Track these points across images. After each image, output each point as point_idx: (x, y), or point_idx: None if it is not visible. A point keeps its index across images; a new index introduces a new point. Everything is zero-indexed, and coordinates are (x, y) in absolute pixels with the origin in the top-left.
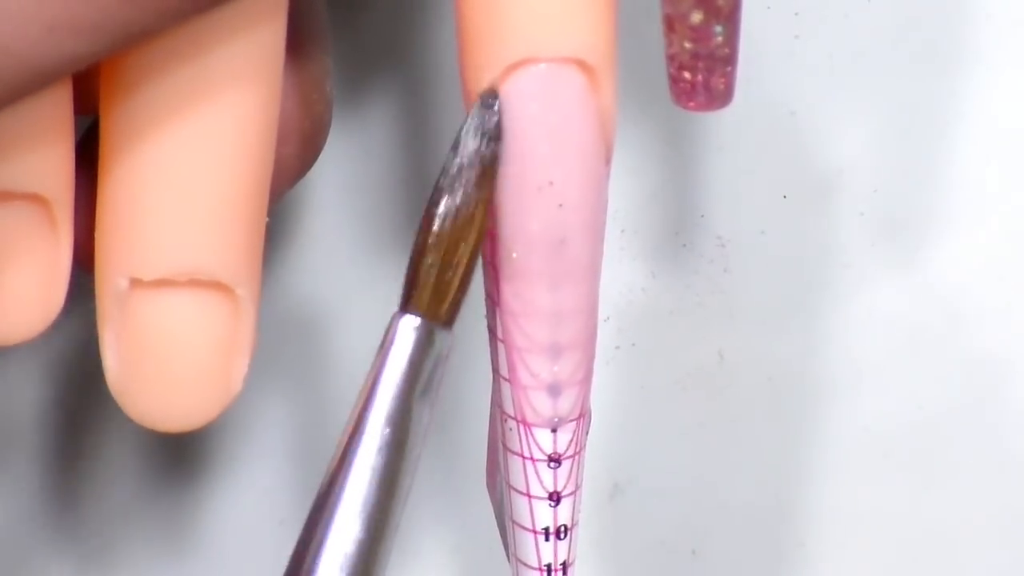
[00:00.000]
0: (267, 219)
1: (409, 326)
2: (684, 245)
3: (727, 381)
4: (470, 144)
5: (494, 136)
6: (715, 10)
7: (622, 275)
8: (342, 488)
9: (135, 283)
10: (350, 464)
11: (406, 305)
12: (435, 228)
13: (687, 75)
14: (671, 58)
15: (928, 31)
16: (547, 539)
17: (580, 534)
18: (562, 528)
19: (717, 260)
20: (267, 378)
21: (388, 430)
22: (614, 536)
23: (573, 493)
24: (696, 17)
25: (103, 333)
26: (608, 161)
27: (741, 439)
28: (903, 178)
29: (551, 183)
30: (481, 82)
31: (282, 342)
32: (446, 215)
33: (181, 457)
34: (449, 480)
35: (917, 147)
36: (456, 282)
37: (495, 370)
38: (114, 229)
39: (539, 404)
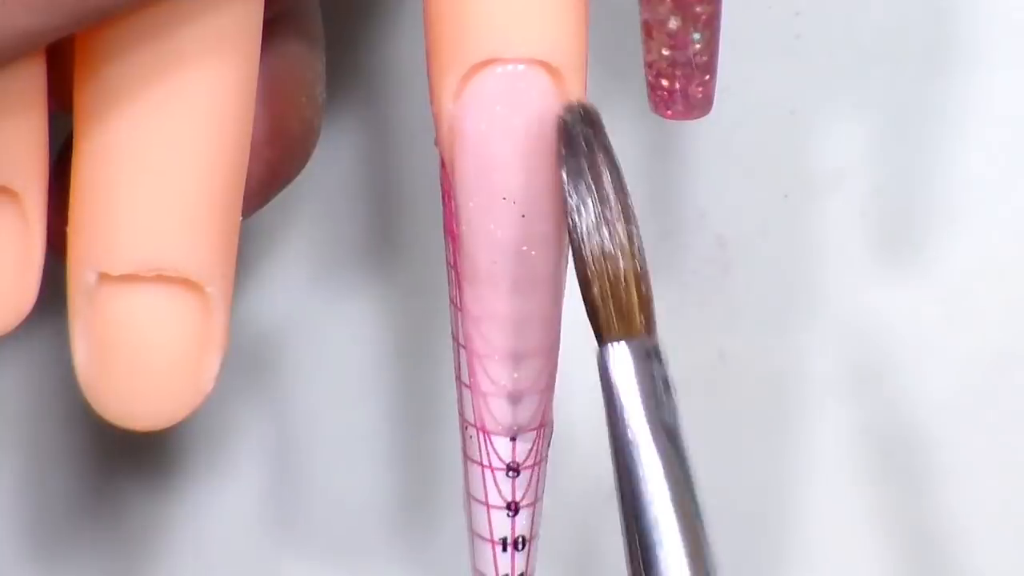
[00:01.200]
0: (241, 218)
1: (617, 354)
2: (684, 245)
3: (727, 381)
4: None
5: (594, 158)
6: (693, 16)
7: None
8: (657, 531)
9: (103, 277)
10: (652, 505)
11: (602, 337)
12: (590, 261)
13: (665, 83)
14: (649, 65)
15: (929, 31)
16: (504, 550)
17: (580, 535)
18: (520, 539)
19: (717, 260)
20: (247, 384)
21: (662, 458)
22: (614, 537)
23: (532, 504)
24: (674, 23)
25: (73, 327)
26: None
27: (741, 439)
28: (903, 178)
29: (514, 188)
30: (446, 82)
31: (264, 347)
32: (594, 247)
33: (158, 462)
34: (438, 485)
35: (917, 147)
36: (633, 294)
37: (457, 377)
38: (84, 222)
39: (499, 411)
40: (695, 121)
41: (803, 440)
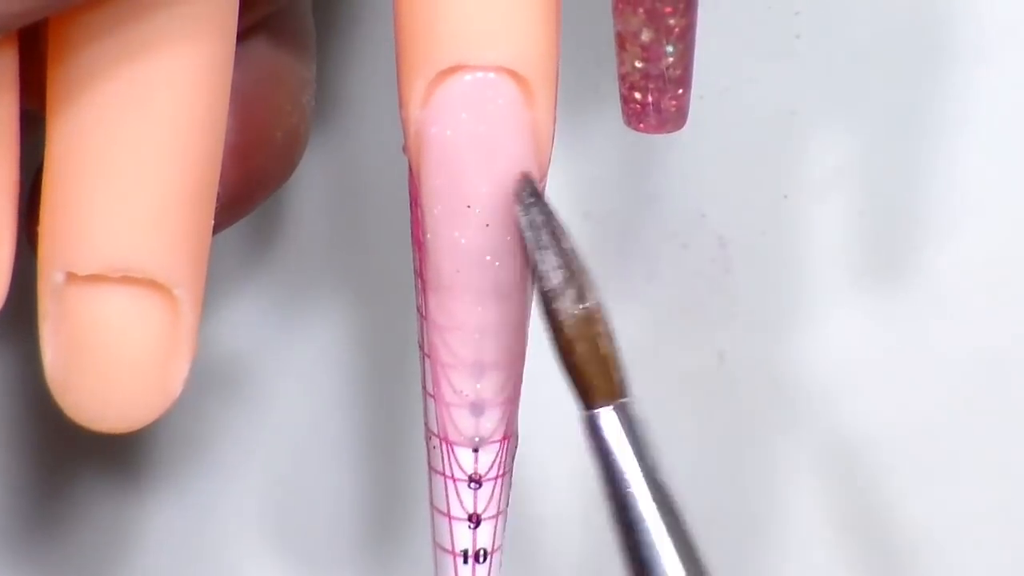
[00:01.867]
0: (224, 228)
1: (608, 419)
2: (684, 245)
3: (727, 381)
4: (550, 249)
5: (554, 227)
6: (666, 29)
7: (622, 275)
8: None
9: (70, 277)
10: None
11: (590, 403)
12: (567, 325)
13: (637, 95)
14: (622, 77)
15: (928, 31)
16: (465, 562)
17: (580, 535)
18: (481, 552)
19: (717, 260)
20: (216, 391)
21: (658, 507)
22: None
23: (495, 517)
24: (646, 35)
25: (42, 328)
26: (542, 178)
27: (741, 439)
28: (903, 178)
29: (479, 197)
30: (414, 88)
31: (236, 355)
32: (569, 311)
33: (126, 465)
34: (410, 497)
35: (917, 147)
36: (611, 354)
37: (423, 387)
38: (53, 221)
39: (461, 422)
40: (694, 122)
41: (803, 440)
